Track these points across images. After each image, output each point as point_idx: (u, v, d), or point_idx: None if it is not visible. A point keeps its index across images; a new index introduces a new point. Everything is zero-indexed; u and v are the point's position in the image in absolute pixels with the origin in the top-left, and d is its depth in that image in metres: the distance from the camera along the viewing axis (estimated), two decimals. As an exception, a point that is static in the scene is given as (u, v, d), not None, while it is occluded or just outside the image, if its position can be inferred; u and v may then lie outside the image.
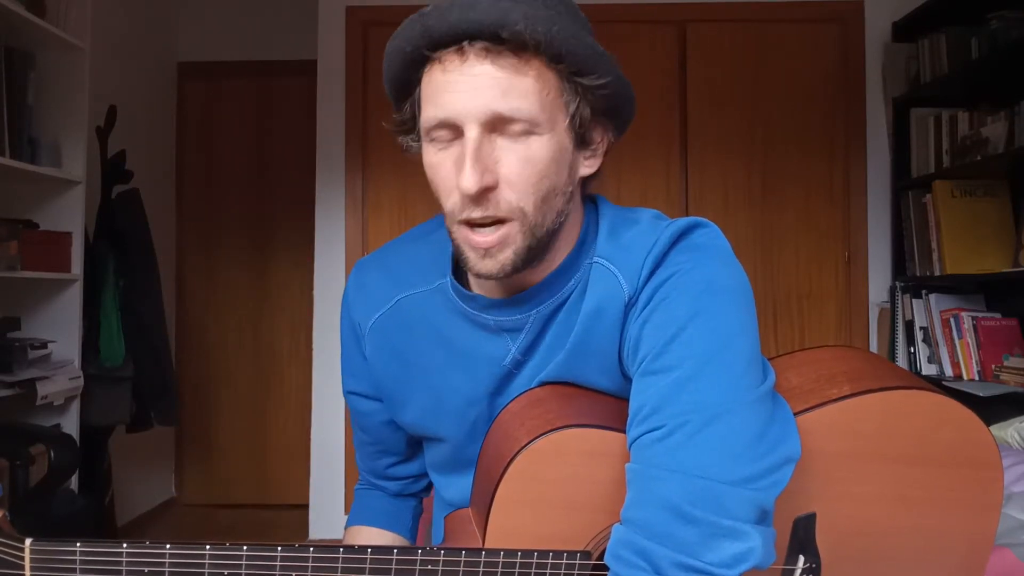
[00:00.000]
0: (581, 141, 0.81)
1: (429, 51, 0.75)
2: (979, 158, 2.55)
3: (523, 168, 0.75)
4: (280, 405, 3.86)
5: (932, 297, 2.75)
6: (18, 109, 2.31)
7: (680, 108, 3.11)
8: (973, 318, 2.58)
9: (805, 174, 3.10)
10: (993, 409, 2.25)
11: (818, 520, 0.82)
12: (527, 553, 0.77)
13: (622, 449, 0.79)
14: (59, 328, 2.48)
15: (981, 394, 2.31)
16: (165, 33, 3.77)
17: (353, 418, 1.05)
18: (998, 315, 2.60)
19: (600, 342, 0.82)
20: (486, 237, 0.76)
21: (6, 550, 0.72)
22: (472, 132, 0.74)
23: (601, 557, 0.80)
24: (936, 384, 2.72)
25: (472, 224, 0.76)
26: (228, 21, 3.85)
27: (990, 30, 2.61)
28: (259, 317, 3.90)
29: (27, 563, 0.72)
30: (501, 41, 0.72)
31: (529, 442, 0.80)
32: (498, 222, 0.76)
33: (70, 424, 2.49)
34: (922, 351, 2.77)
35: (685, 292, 0.77)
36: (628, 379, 0.82)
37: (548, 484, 0.80)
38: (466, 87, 0.74)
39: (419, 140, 0.82)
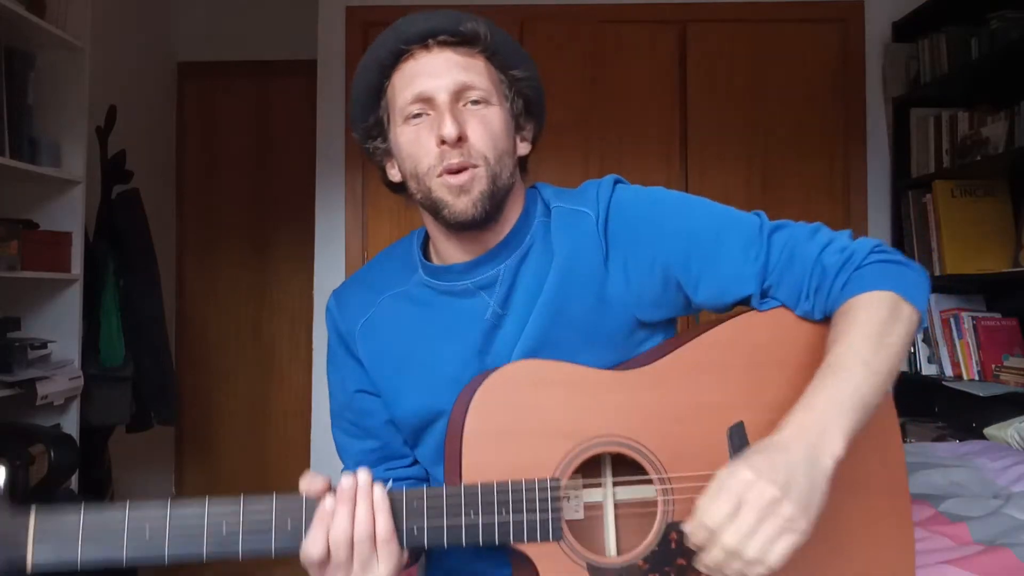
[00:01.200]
0: (517, 125, 1.02)
1: (404, 46, 0.96)
2: (979, 158, 2.54)
3: (484, 128, 0.96)
4: (280, 405, 3.86)
5: (932, 297, 2.74)
6: (18, 109, 2.31)
7: (680, 108, 3.10)
8: (973, 318, 2.58)
9: (805, 174, 3.09)
10: (993, 409, 2.25)
11: (747, 428, 0.90)
12: (501, 484, 0.84)
13: (570, 377, 0.91)
14: (59, 328, 2.48)
15: (981, 394, 2.31)
16: (165, 33, 3.77)
17: (356, 423, 1.10)
18: (998, 315, 2.60)
19: (583, 267, 0.98)
20: (461, 175, 0.94)
21: (10, 520, 0.72)
22: (443, 97, 0.95)
23: (572, 479, 0.89)
24: (936, 384, 2.73)
25: (448, 172, 0.94)
26: (228, 21, 3.85)
27: (990, 30, 2.61)
28: (259, 317, 3.90)
29: (31, 531, 0.73)
30: (455, 36, 0.96)
31: (482, 382, 0.90)
32: (468, 167, 0.94)
33: (70, 424, 2.49)
34: (922, 351, 2.77)
35: (660, 199, 1.03)
36: (611, 296, 0.98)
37: (509, 414, 0.89)
38: (435, 68, 0.96)
39: (387, 141, 1.02)
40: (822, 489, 0.78)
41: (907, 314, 0.90)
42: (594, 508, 0.92)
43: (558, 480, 0.86)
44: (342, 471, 1.08)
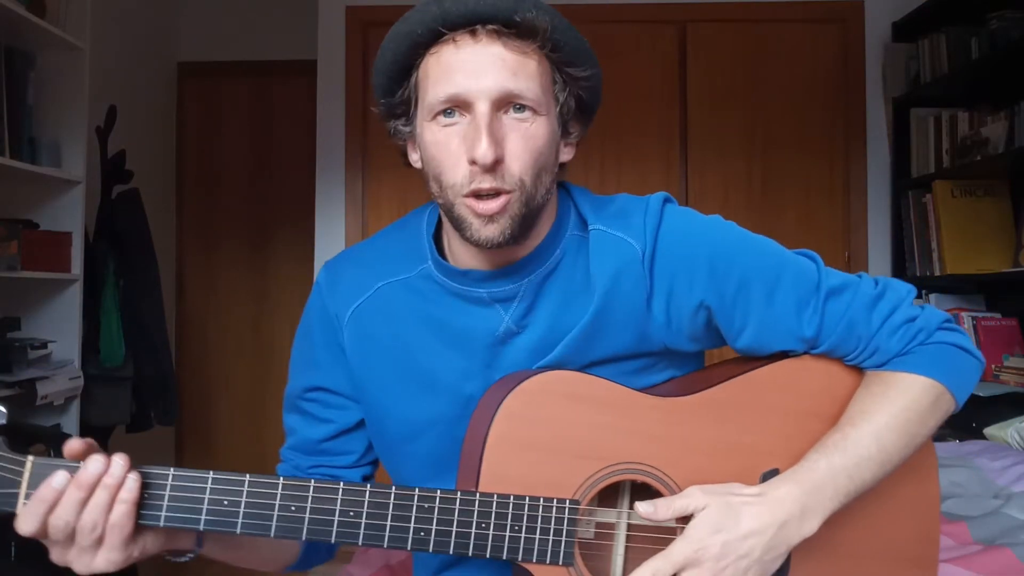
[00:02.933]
0: (564, 130, 0.90)
1: (445, 29, 0.82)
2: (979, 158, 2.55)
3: (526, 144, 0.83)
4: (280, 405, 3.84)
5: (932, 297, 2.75)
6: (18, 109, 2.31)
7: (680, 108, 3.10)
8: (973, 318, 2.58)
9: (805, 174, 3.09)
10: (993, 409, 2.25)
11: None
12: (519, 498, 0.81)
13: (607, 396, 0.86)
14: (59, 328, 2.48)
15: (981, 394, 2.31)
16: (165, 33, 3.77)
17: (300, 414, 1.10)
18: (998, 315, 2.60)
19: (623, 304, 0.89)
20: (490, 204, 0.82)
21: (7, 466, 0.75)
22: (484, 107, 0.81)
23: (591, 503, 0.85)
24: (936, 384, 2.72)
25: (477, 195, 0.83)
26: (228, 21, 3.85)
27: (990, 30, 2.61)
28: (259, 317, 3.90)
29: (25, 479, 0.75)
30: (510, 26, 0.81)
31: (517, 384, 0.84)
32: (501, 192, 0.83)
33: (70, 424, 2.49)
34: (922, 351, 2.76)
35: (711, 238, 0.91)
36: (650, 333, 0.90)
37: (538, 426, 0.84)
38: (478, 65, 0.81)
39: (411, 124, 0.89)
40: (779, 562, 0.81)
41: (945, 407, 0.89)
42: (605, 527, 0.89)
43: (577, 502, 0.82)
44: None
